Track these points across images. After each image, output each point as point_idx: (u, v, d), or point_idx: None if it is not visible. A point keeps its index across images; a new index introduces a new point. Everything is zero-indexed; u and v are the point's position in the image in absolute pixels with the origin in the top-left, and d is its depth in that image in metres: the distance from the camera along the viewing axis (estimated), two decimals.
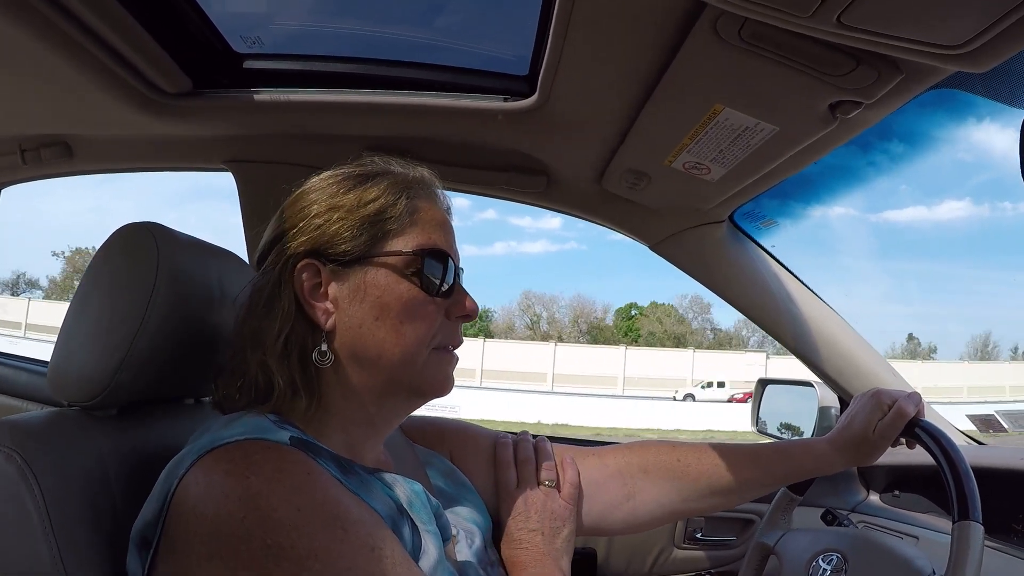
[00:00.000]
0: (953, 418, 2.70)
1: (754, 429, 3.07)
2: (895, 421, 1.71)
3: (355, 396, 1.33)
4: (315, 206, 1.32)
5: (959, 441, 2.54)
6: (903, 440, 1.76)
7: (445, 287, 1.35)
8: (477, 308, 1.42)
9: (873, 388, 1.84)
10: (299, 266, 1.29)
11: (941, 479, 1.60)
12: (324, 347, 1.29)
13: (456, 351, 1.44)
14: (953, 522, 1.52)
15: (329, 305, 1.29)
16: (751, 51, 1.37)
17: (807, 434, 2.80)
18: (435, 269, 1.33)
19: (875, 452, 1.75)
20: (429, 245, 1.34)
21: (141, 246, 1.40)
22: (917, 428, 1.70)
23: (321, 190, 1.35)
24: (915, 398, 1.75)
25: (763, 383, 3.13)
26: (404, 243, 1.32)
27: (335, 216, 1.30)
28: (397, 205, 1.33)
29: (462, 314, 1.40)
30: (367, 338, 1.29)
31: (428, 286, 1.32)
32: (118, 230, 1.45)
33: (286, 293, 1.28)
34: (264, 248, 1.37)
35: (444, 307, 1.37)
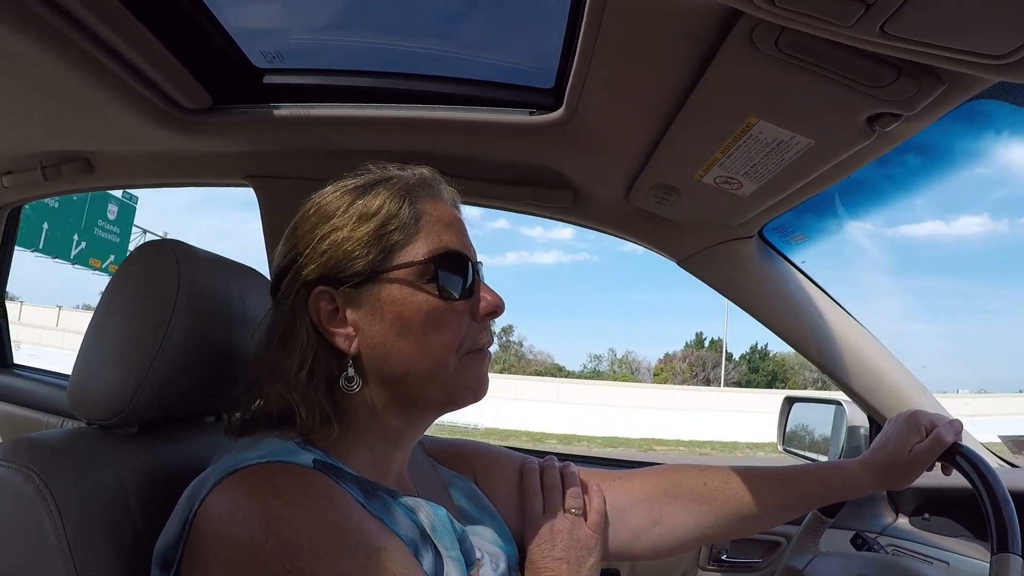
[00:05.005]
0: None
1: (780, 448, 3.04)
2: (933, 447, 1.68)
3: (384, 414, 1.31)
4: (318, 229, 1.30)
5: (994, 463, 2.50)
6: (937, 463, 1.72)
7: (464, 289, 1.32)
8: (502, 302, 1.38)
9: (909, 410, 1.81)
10: (312, 295, 1.27)
11: (972, 502, 1.59)
12: (351, 372, 1.27)
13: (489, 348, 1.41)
14: (992, 553, 1.49)
15: (350, 329, 1.27)
16: (788, 62, 1.33)
17: (835, 454, 2.77)
18: (451, 272, 1.31)
19: (908, 477, 1.72)
20: (441, 248, 1.31)
21: (162, 263, 1.40)
22: (957, 455, 1.66)
23: (319, 212, 1.32)
24: (956, 425, 1.73)
25: (790, 401, 3.11)
26: (415, 252, 1.29)
27: (340, 237, 1.27)
28: (401, 213, 1.30)
29: (487, 312, 1.36)
30: (392, 355, 1.27)
31: (446, 292, 1.29)
32: (138, 247, 1.46)
33: (303, 324, 1.27)
34: (276, 277, 1.36)
35: (468, 309, 1.34)
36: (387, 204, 1.29)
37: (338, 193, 1.34)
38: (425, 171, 1.41)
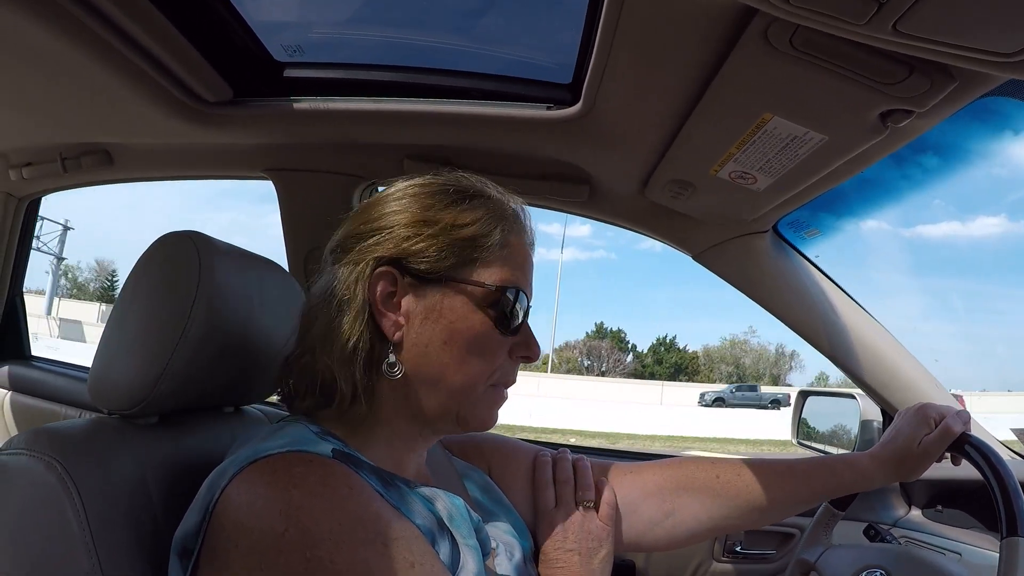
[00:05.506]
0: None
1: (795, 441, 3.05)
2: (941, 438, 1.70)
3: (405, 412, 1.32)
4: (405, 214, 1.30)
5: (1005, 456, 2.51)
6: (947, 455, 1.74)
7: (515, 325, 1.34)
8: (539, 352, 1.41)
9: (918, 403, 1.83)
10: (377, 272, 1.27)
11: (984, 495, 1.59)
12: (393, 359, 1.28)
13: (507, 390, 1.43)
14: (1001, 538, 1.50)
15: (400, 318, 1.28)
16: (802, 59, 1.35)
17: (848, 447, 2.77)
18: (511, 306, 1.32)
19: (919, 468, 1.74)
20: (511, 282, 1.32)
21: (183, 255, 1.40)
22: (966, 445, 1.67)
23: (415, 198, 1.33)
24: (964, 416, 1.74)
25: (804, 394, 3.11)
26: (489, 275, 1.30)
27: (426, 232, 1.28)
28: (491, 236, 1.30)
29: (524, 355, 1.39)
30: (431, 359, 1.28)
31: (501, 323, 1.31)
32: (159, 239, 1.45)
33: (360, 295, 1.27)
34: (343, 241, 1.36)
35: (508, 345, 1.36)
36: (481, 222, 1.31)
37: (434, 189, 1.35)
38: (519, 205, 1.43)
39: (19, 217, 3.39)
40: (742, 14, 1.36)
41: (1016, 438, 2.77)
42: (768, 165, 1.82)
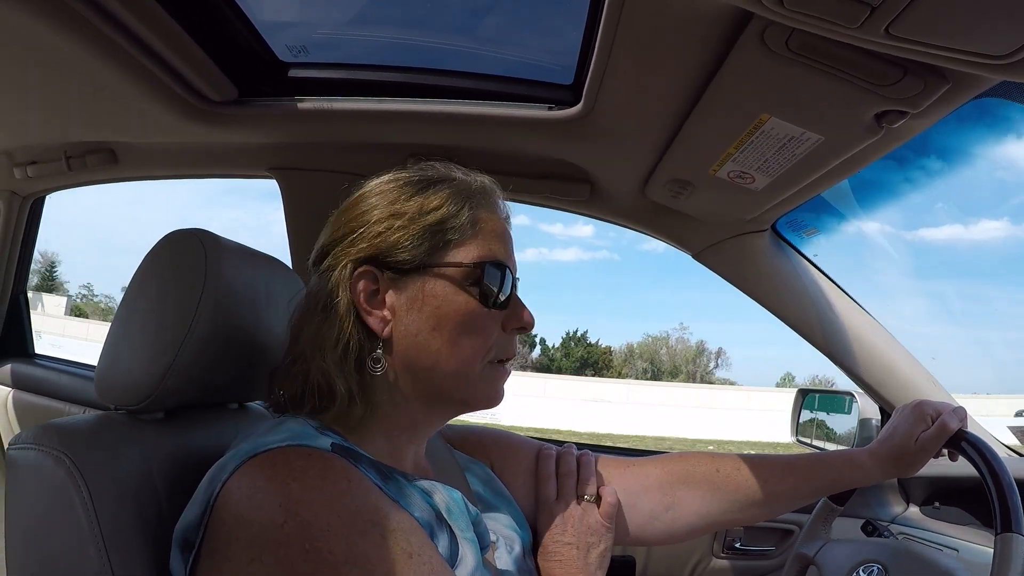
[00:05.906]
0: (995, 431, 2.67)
1: (793, 439, 3.05)
2: (938, 434, 1.71)
3: (404, 403, 1.33)
4: (375, 211, 1.31)
5: (1002, 454, 2.51)
6: (944, 451, 1.75)
7: (502, 299, 1.34)
8: (533, 320, 1.41)
9: (915, 400, 1.83)
10: (357, 272, 1.28)
11: (981, 492, 1.59)
12: (378, 354, 1.29)
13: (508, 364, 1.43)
14: (996, 534, 1.51)
15: (386, 313, 1.29)
16: (798, 61, 1.36)
17: (847, 445, 2.78)
18: (494, 281, 1.32)
19: (916, 464, 1.75)
20: (489, 257, 1.33)
21: (189, 253, 1.41)
22: (963, 442, 1.69)
23: (382, 195, 1.34)
24: (960, 412, 1.75)
25: (803, 392, 3.11)
26: (465, 254, 1.31)
27: (396, 224, 1.29)
28: (460, 216, 1.31)
29: (518, 326, 1.39)
30: (422, 348, 1.29)
31: (486, 298, 1.31)
32: (166, 236, 1.46)
33: (343, 299, 1.28)
34: (322, 249, 1.37)
35: (500, 319, 1.36)
36: (448, 204, 1.32)
37: (400, 183, 1.36)
38: (486, 180, 1.43)
39: (23, 215, 3.38)
40: (740, 17, 1.38)
41: (1015, 437, 2.78)
42: (766, 165, 1.83)
